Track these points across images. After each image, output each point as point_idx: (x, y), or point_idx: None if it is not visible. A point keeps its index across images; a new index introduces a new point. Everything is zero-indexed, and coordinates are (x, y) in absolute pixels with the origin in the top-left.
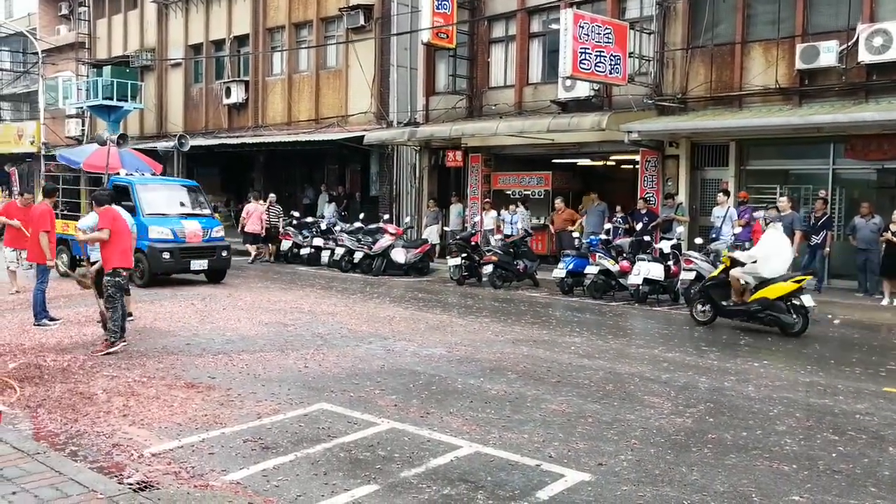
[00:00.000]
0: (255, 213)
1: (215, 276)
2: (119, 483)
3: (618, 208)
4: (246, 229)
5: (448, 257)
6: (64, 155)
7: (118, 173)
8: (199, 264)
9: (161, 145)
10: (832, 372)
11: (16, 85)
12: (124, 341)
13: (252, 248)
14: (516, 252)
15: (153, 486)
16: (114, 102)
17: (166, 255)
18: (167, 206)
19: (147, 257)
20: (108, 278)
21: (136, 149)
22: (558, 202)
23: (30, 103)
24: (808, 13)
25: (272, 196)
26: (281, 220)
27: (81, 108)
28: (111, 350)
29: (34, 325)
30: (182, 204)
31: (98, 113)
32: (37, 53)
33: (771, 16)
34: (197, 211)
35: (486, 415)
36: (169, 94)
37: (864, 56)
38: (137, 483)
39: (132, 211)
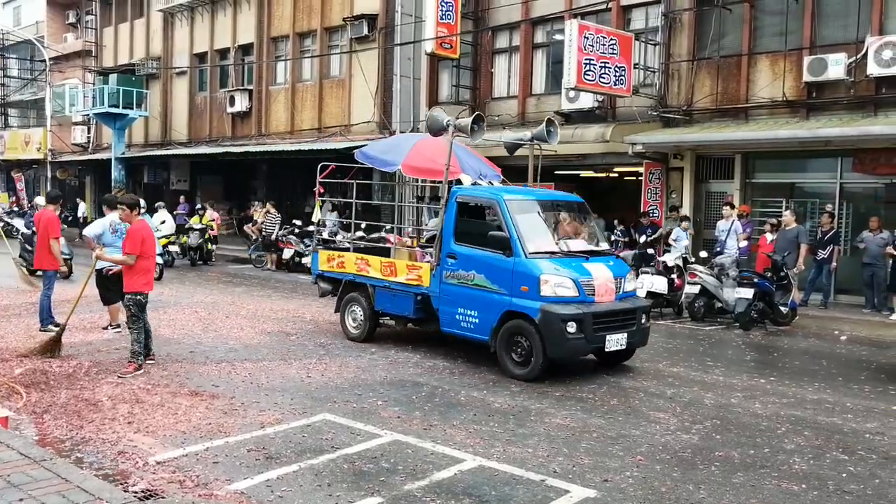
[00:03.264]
0: None
1: (623, 355)
2: (124, 491)
3: (616, 222)
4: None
5: None
6: (367, 153)
7: (459, 181)
8: (615, 340)
9: (507, 136)
10: (840, 389)
11: (23, 92)
12: (151, 359)
13: None
14: None
15: (158, 495)
16: (119, 110)
17: (572, 328)
18: (550, 239)
19: (540, 331)
20: (130, 296)
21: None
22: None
23: (37, 110)
24: (816, 25)
25: (269, 203)
26: (277, 227)
27: (87, 115)
28: (137, 373)
29: (40, 330)
30: (570, 235)
31: (104, 120)
32: (44, 61)
33: (778, 28)
34: (593, 246)
35: (489, 428)
36: (174, 102)
37: (873, 69)
38: (143, 491)
39: (505, 246)
